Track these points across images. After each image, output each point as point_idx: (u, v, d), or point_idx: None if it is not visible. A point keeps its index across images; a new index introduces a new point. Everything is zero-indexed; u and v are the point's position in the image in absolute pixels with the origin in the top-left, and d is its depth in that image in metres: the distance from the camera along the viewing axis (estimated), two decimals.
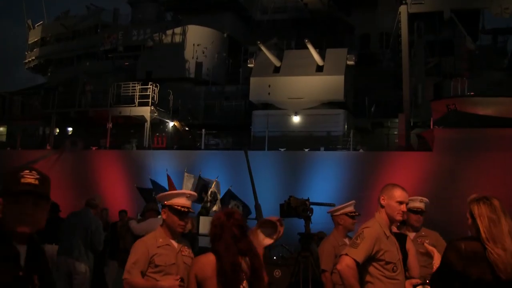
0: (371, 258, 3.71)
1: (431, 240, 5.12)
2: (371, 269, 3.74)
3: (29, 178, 2.23)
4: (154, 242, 3.89)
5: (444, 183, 15.81)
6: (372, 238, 3.70)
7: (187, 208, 3.92)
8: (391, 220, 3.87)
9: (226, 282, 3.26)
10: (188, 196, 3.99)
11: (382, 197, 3.89)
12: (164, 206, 3.98)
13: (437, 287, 3.31)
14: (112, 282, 8.88)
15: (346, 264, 3.62)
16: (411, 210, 5.21)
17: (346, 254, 3.67)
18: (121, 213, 11.52)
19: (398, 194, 3.84)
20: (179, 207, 3.87)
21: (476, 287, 3.01)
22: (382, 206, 3.88)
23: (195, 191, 13.29)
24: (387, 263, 3.72)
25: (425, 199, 5.35)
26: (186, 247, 4.05)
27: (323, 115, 20.70)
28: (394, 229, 4.66)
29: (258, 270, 3.39)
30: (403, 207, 3.82)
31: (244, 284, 3.30)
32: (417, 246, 4.90)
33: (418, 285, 3.93)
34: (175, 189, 13.40)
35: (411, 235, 5.18)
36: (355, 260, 3.62)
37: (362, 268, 3.73)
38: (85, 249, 7.30)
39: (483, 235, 3.04)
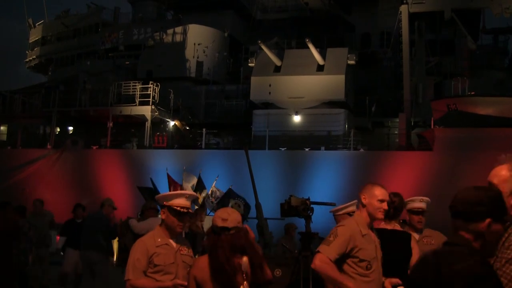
0: (345, 255, 3.77)
1: (435, 240, 5.08)
2: (344, 266, 3.80)
3: None
4: (153, 242, 3.89)
5: (445, 182, 15.81)
6: (346, 235, 3.76)
7: (187, 208, 3.91)
8: (372, 219, 3.94)
9: (220, 283, 3.16)
10: (187, 197, 3.98)
11: (363, 196, 3.96)
12: (163, 206, 3.99)
13: None
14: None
15: (320, 260, 3.69)
16: (412, 211, 5.16)
17: (318, 252, 3.74)
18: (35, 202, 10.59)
19: (379, 192, 3.92)
20: (178, 208, 3.87)
21: None
22: (364, 205, 3.95)
23: (194, 190, 13.35)
24: (361, 260, 3.77)
25: (425, 198, 5.26)
26: (185, 246, 4.04)
27: (323, 114, 20.70)
28: (397, 227, 4.66)
29: (258, 267, 3.25)
30: (384, 205, 3.91)
31: (244, 285, 3.22)
32: (422, 247, 4.88)
33: (398, 285, 3.90)
34: (177, 185, 13.48)
35: (415, 236, 5.08)
36: (327, 257, 3.69)
37: (336, 264, 3.78)
38: (101, 243, 8.57)
39: None
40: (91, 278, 8.69)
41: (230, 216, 3.26)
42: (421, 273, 1.99)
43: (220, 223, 3.24)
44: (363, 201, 3.95)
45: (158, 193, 12.54)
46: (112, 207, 8.98)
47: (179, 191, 4.19)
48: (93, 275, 8.65)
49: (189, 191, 4.18)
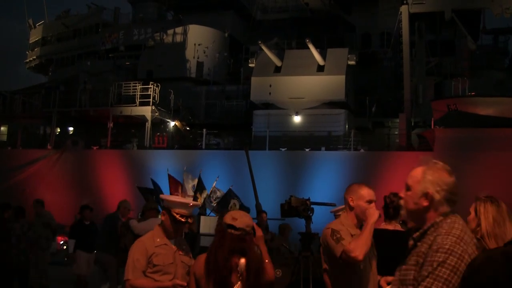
0: None
1: None
2: (334, 265, 3.77)
3: None
4: (152, 242, 3.90)
5: None
6: (342, 229, 3.73)
7: (186, 217, 3.92)
8: (360, 220, 3.85)
9: (212, 282, 3.18)
10: (191, 206, 4.00)
11: (351, 198, 3.85)
12: (164, 208, 4.00)
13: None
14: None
15: (349, 251, 3.57)
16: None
17: (344, 250, 3.63)
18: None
19: (366, 193, 3.81)
20: (178, 216, 3.89)
21: None
22: (352, 208, 3.85)
23: (195, 190, 13.34)
24: None
25: None
26: (183, 246, 4.05)
27: (324, 115, 20.69)
28: (398, 227, 4.64)
29: (254, 271, 3.22)
30: (373, 206, 3.81)
31: (237, 286, 3.22)
32: None
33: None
34: (179, 184, 13.43)
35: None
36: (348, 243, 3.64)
37: (329, 261, 3.79)
38: (112, 244, 8.79)
39: (484, 231, 3.03)
40: (104, 279, 9.24)
41: (240, 218, 3.29)
42: (489, 274, 1.93)
43: (229, 221, 3.28)
44: (351, 203, 3.85)
45: (161, 192, 12.58)
46: (128, 209, 9.28)
47: (184, 200, 4.18)
48: (106, 276, 9.17)
49: (193, 201, 4.19)
